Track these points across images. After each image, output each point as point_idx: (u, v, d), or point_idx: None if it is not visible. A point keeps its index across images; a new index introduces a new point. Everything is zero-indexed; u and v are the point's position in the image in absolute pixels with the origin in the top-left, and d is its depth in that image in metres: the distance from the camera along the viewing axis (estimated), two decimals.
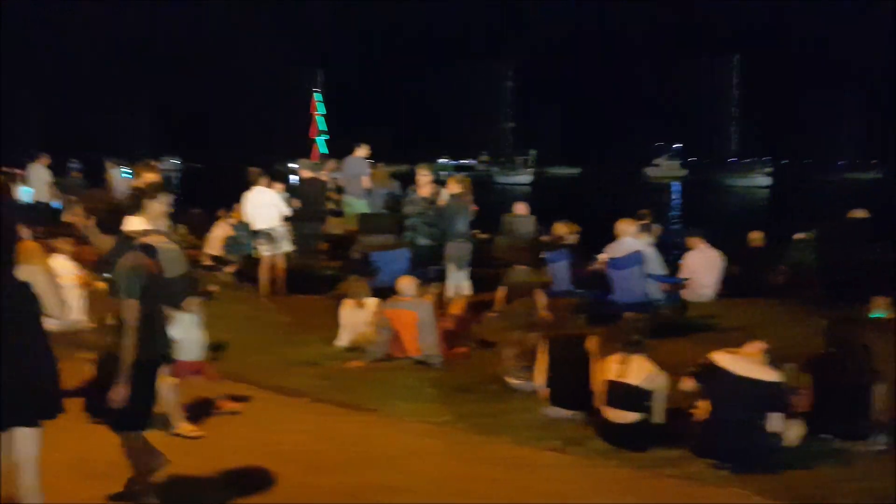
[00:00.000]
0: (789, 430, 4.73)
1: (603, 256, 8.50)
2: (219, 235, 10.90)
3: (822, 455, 4.78)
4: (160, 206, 4.74)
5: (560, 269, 8.55)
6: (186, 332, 5.42)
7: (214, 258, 10.86)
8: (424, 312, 6.77)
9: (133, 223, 4.56)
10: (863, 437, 4.91)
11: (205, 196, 21.43)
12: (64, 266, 6.37)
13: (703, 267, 9.36)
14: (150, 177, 6.06)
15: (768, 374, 4.69)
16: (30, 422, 3.31)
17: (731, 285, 9.68)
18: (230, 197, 10.94)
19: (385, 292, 7.37)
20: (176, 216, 11.79)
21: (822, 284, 9.42)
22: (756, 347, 4.88)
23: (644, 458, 4.79)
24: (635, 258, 7.92)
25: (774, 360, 4.90)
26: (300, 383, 6.17)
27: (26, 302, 3.21)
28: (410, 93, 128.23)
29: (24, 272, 3.20)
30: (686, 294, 8.71)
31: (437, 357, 6.68)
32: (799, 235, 10.75)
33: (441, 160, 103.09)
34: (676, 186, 74.34)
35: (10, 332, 3.15)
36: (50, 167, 13.73)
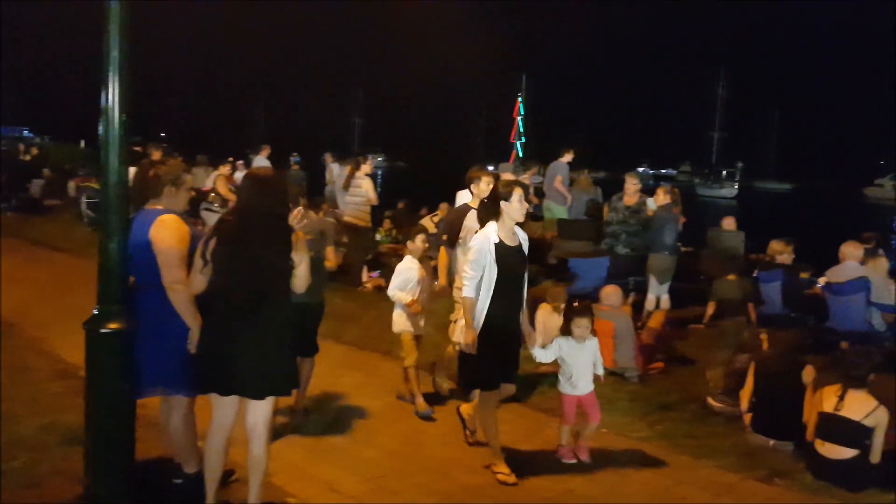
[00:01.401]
0: None
1: (823, 280, 7.94)
2: (421, 232, 11.46)
3: None
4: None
5: (773, 290, 8.10)
6: None
7: None
8: (622, 323, 6.71)
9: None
10: None
11: (407, 193, 22.55)
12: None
13: None
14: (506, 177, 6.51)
15: None
16: (282, 392, 3.85)
17: None
18: (432, 195, 11.43)
19: (581, 299, 7.36)
20: (380, 210, 12.62)
21: None
22: None
23: (858, 497, 4.48)
24: (860, 284, 7.32)
25: None
26: None
27: (287, 283, 3.70)
28: (615, 99, 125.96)
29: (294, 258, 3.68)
30: None
31: (633, 370, 6.61)
32: None
33: (640, 169, 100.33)
34: None
35: (276, 310, 3.66)
36: (270, 158, 14.78)
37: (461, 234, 5.63)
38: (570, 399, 4.89)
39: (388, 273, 10.02)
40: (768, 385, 5.32)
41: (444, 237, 5.92)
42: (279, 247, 3.64)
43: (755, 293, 8.28)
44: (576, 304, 5.03)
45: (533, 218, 12.17)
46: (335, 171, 13.76)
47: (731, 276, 8.63)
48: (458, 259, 5.58)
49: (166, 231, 3.75)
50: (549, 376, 5.69)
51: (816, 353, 6.84)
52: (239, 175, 12.42)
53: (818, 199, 69.06)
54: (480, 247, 4.47)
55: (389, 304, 5.83)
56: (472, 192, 5.85)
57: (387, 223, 13.73)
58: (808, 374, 5.26)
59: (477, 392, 4.83)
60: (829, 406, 4.77)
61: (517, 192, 4.51)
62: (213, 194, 10.97)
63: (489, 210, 4.61)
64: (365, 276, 9.87)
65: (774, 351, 5.47)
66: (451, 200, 10.06)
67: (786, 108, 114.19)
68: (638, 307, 8.39)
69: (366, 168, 10.01)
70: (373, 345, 7.33)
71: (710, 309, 8.66)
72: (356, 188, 9.80)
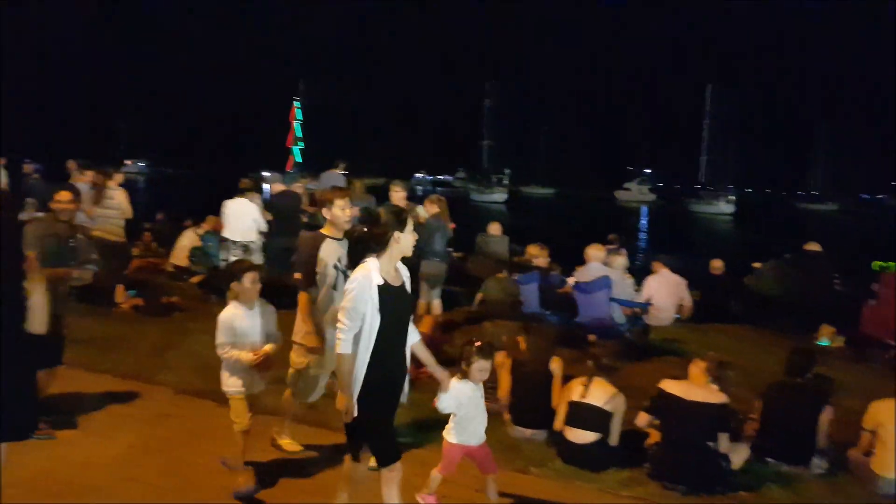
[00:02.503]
0: (736, 454, 4.97)
1: (571, 280, 8.74)
2: (185, 245, 10.88)
3: (767, 478, 5.04)
4: None
5: (530, 291, 8.75)
6: None
7: (178, 268, 10.84)
8: None
9: None
10: (806, 462, 5.17)
11: (172, 203, 21.27)
12: None
13: (665, 291, 9.63)
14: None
15: (715, 397, 4.95)
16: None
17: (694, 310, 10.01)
18: (199, 205, 10.82)
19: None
20: (138, 223, 11.73)
21: (780, 313, 9.85)
22: (699, 368, 5.11)
23: (601, 478, 4.98)
24: (602, 283, 8.16)
25: (717, 377, 5.13)
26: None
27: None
28: (393, 107, 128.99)
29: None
30: (649, 318, 8.96)
31: None
32: (757, 265, 11.17)
33: (418, 175, 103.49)
34: (645, 211, 75.54)
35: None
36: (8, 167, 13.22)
37: (318, 269, 4.88)
38: (458, 448, 4.35)
39: (147, 292, 9.43)
40: (523, 380, 5.74)
41: (299, 276, 4.98)
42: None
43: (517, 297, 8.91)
44: (477, 343, 4.37)
45: (310, 228, 12.08)
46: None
47: (501, 274, 9.20)
48: (321, 296, 4.87)
49: None
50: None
51: (568, 347, 7.55)
52: None
53: (576, 202, 76.16)
54: (360, 291, 3.67)
55: (150, 327, 5.49)
56: (325, 217, 5.03)
57: (146, 236, 12.84)
58: (556, 364, 5.74)
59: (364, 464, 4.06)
60: (576, 395, 5.27)
61: (410, 220, 3.86)
62: None
63: (374, 241, 3.78)
64: (121, 295, 9.13)
65: (529, 348, 5.90)
66: (217, 211, 9.68)
67: (549, 117, 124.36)
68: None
69: (118, 178, 9.30)
70: (136, 372, 6.76)
71: (478, 298, 9.19)
72: (108, 200, 9.04)
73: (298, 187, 12.12)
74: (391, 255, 3.81)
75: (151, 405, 5.98)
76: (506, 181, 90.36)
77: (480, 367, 4.30)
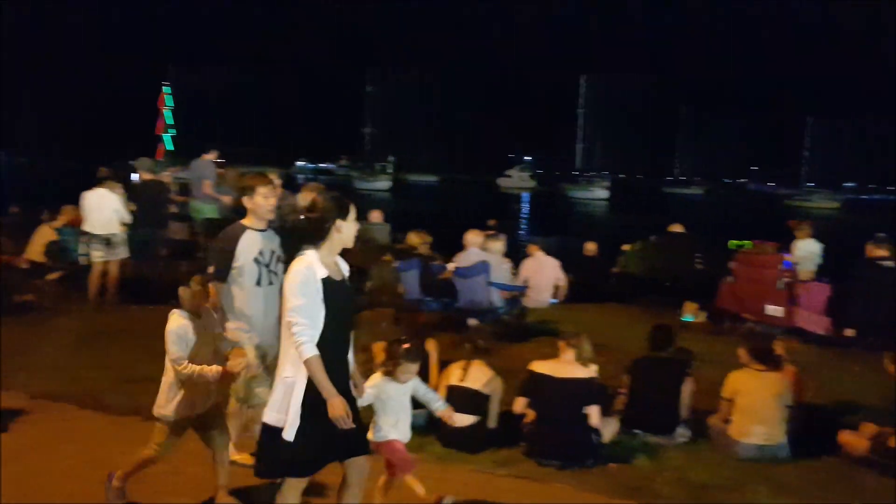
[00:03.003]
0: (606, 428, 5.18)
1: (451, 266, 8.81)
2: (41, 240, 10.16)
3: (635, 449, 5.28)
4: None
5: (411, 278, 8.76)
6: None
7: (34, 264, 10.12)
8: None
9: None
10: (670, 432, 5.47)
11: (29, 195, 19.85)
12: None
13: (540, 274, 9.92)
14: None
15: (583, 372, 5.15)
16: None
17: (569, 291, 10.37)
18: (55, 195, 10.14)
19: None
20: None
21: (648, 291, 10.40)
22: (565, 346, 5.26)
23: (478, 459, 5.06)
24: (481, 267, 8.28)
25: (583, 356, 5.32)
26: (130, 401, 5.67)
27: None
28: (276, 93, 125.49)
29: None
30: (526, 301, 9.19)
31: None
32: (626, 247, 11.73)
33: (299, 163, 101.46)
34: (526, 197, 77.67)
35: None
36: None
37: (236, 265, 4.48)
38: (397, 443, 4.08)
39: None
40: None
41: (212, 269, 4.51)
42: None
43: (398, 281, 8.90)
44: (406, 346, 4.08)
45: (180, 218, 11.58)
46: None
47: (388, 257, 9.15)
48: (234, 297, 4.48)
49: None
50: None
51: (447, 332, 7.62)
52: None
53: (460, 189, 77.15)
54: (306, 285, 3.33)
55: (2, 327, 5.02)
56: (245, 206, 4.59)
57: None
58: (431, 345, 5.77)
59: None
60: (455, 379, 5.32)
61: (353, 209, 3.55)
62: None
63: (313, 231, 3.46)
64: None
65: (405, 334, 5.90)
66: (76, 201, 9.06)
67: (430, 105, 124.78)
68: None
69: None
70: None
71: (367, 287, 9.06)
72: None
73: (166, 176, 11.58)
74: (331, 246, 3.48)
75: (3, 411, 5.51)
76: (389, 168, 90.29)
77: (406, 370, 4.05)
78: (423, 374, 5.61)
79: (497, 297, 8.49)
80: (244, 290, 4.50)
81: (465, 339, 6.23)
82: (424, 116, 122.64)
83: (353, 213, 3.54)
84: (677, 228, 11.00)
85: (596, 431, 5.08)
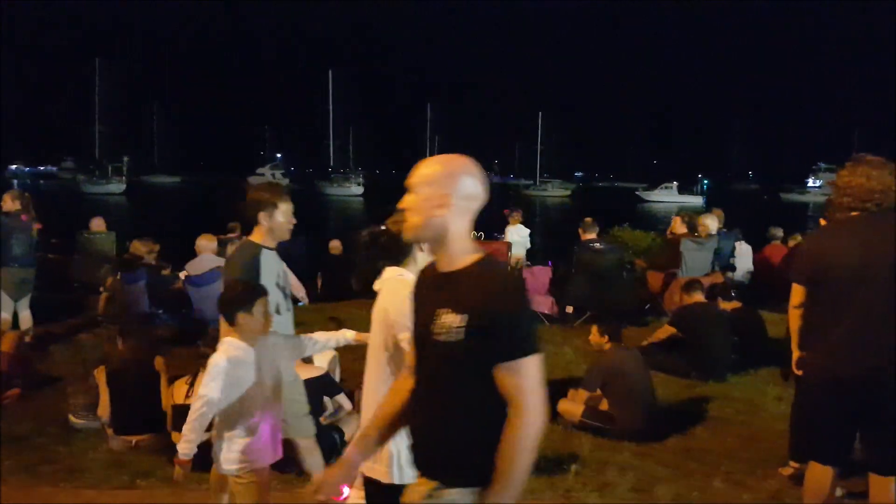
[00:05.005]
0: (348, 427, 5.19)
1: (184, 274, 8.28)
2: None
3: None
4: None
5: (138, 290, 8.08)
6: None
7: None
8: None
9: None
10: None
11: None
12: None
13: None
14: None
15: (315, 371, 5.23)
16: None
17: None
18: None
19: None
20: None
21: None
22: None
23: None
24: (216, 274, 7.84)
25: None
26: None
27: None
28: None
29: None
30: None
31: None
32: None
33: (13, 167, 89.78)
34: None
35: None
36: None
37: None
38: None
39: None
40: (124, 387, 5.26)
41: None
42: None
43: (123, 294, 8.17)
44: None
45: None
46: None
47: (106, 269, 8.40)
48: None
49: None
50: None
51: (183, 346, 7.16)
52: None
53: (205, 191, 73.30)
54: None
55: None
56: (261, 224, 3.98)
57: None
58: (159, 364, 5.41)
59: None
60: (179, 397, 4.97)
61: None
62: None
63: (399, 252, 2.89)
64: None
65: (126, 353, 5.44)
66: None
67: (167, 100, 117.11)
68: None
69: None
70: None
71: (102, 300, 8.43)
72: None
73: None
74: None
75: None
76: (124, 170, 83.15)
77: None
78: (156, 396, 5.21)
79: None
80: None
81: (199, 353, 5.89)
82: (160, 113, 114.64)
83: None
84: None
85: (339, 430, 5.10)
